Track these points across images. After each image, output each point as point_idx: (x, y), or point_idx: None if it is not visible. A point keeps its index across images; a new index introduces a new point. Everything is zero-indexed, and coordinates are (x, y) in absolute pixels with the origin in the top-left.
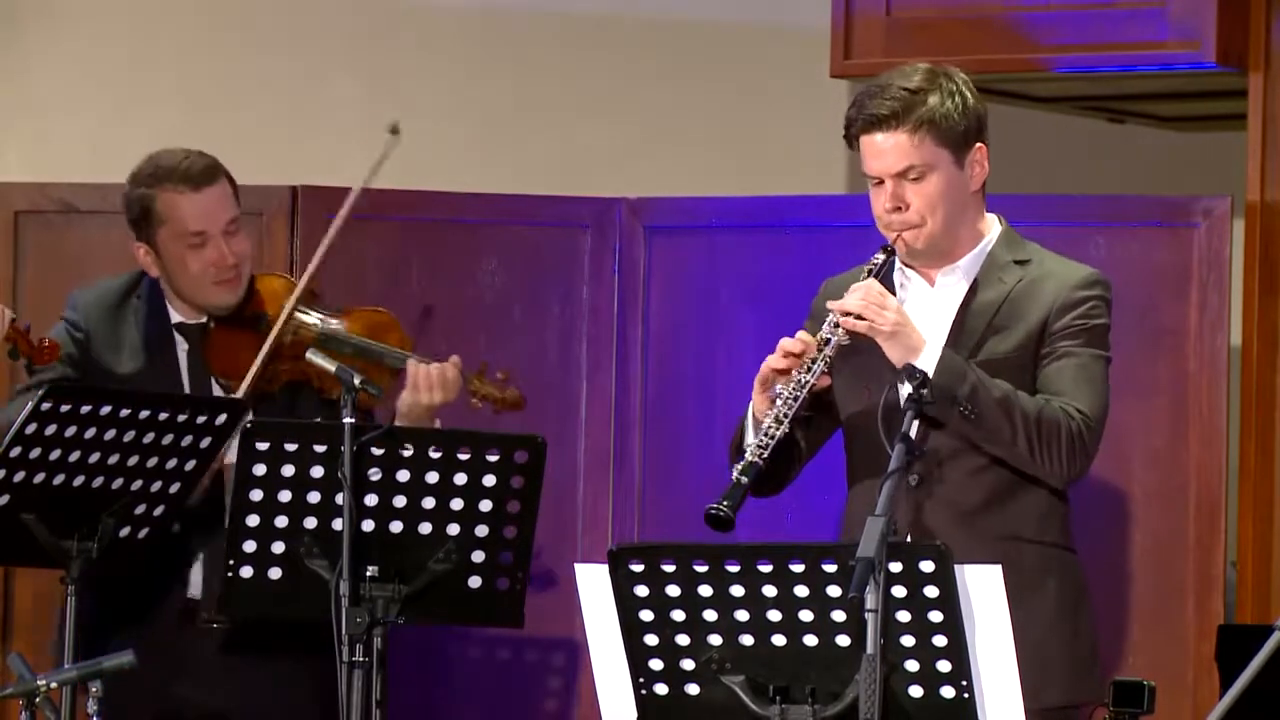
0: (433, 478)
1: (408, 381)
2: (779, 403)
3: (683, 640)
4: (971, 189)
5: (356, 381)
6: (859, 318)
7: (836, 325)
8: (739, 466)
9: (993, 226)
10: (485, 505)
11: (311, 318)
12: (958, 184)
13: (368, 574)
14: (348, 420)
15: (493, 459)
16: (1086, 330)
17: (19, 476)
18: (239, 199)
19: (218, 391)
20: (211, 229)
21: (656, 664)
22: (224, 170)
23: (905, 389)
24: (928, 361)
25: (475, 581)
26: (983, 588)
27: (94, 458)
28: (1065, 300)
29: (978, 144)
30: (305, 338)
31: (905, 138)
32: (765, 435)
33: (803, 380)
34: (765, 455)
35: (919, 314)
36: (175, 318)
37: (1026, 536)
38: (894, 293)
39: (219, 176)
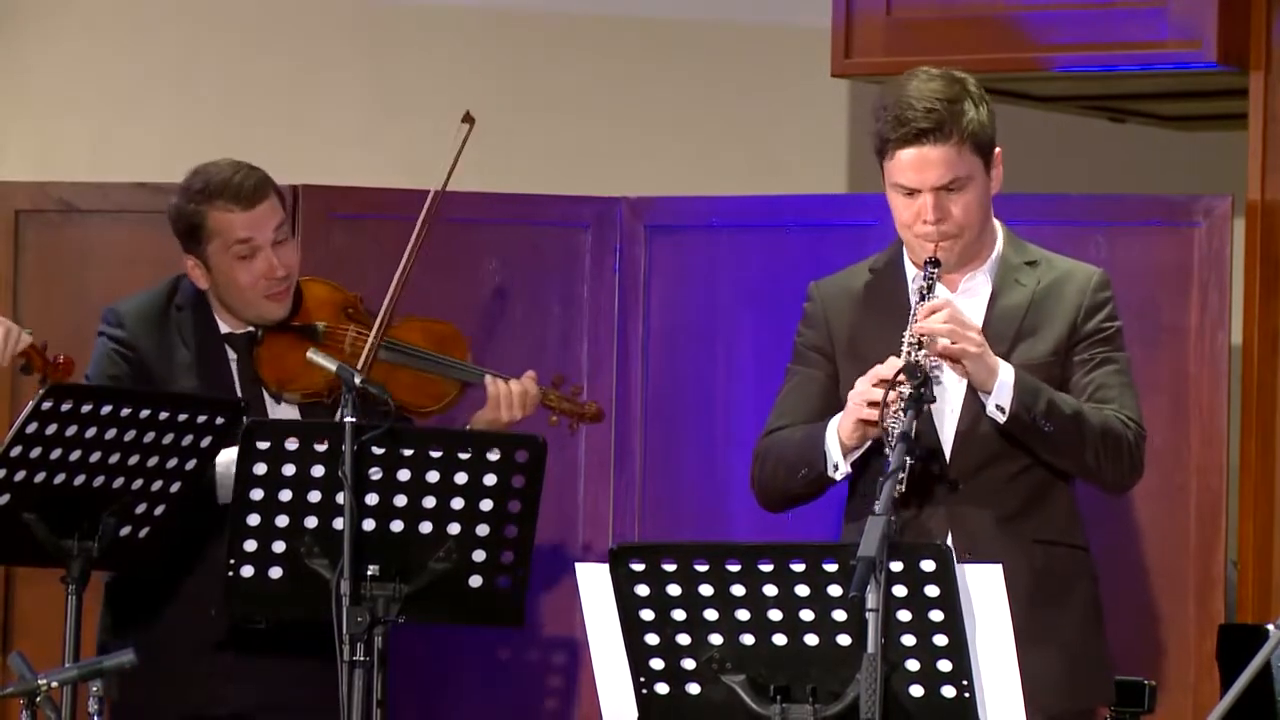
0: (434, 477)
1: (489, 400)
2: (892, 441)
3: (683, 639)
4: (993, 194)
5: (357, 381)
6: (951, 341)
7: (918, 346)
8: (895, 481)
9: (998, 228)
10: (486, 505)
11: (376, 337)
12: (987, 191)
13: (368, 573)
14: (348, 420)
15: (493, 458)
16: (1115, 333)
17: (19, 475)
18: (286, 209)
19: (270, 403)
20: (261, 239)
21: (657, 663)
22: (273, 184)
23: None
24: (1005, 383)
25: (476, 581)
26: (983, 587)
27: (95, 457)
28: (1091, 303)
29: (997, 148)
30: (366, 354)
31: (953, 150)
32: (902, 471)
33: (917, 404)
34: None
35: None
36: (223, 328)
37: (1059, 539)
38: (911, 301)
39: (269, 192)
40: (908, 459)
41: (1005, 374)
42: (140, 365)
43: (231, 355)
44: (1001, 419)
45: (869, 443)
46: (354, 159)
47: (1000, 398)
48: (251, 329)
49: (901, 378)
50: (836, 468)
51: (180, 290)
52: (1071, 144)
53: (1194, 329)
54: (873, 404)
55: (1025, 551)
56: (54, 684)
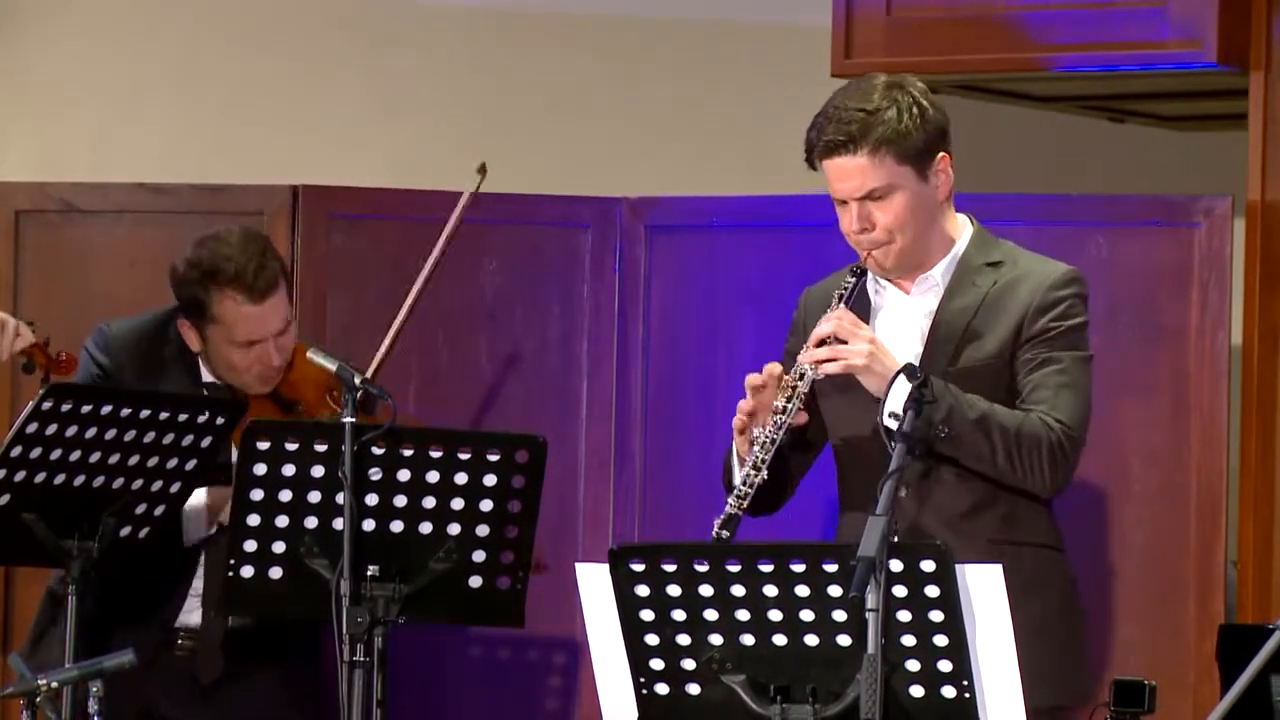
0: (433, 477)
1: None
2: (756, 448)
3: (683, 640)
4: (939, 199)
5: (357, 381)
6: (831, 360)
7: (800, 376)
8: (719, 520)
9: (964, 229)
10: (486, 505)
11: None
12: (923, 197)
13: (368, 573)
14: (348, 420)
15: (494, 458)
16: (1065, 332)
17: (19, 476)
18: (293, 295)
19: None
20: (266, 336)
21: (657, 663)
22: (283, 271)
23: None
24: (899, 387)
25: (476, 581)
26: (983, 587)
27: (94, 457)
28: (1041, 302)
29: (940, 154)
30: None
31: (865, 160)
32: (745, 485)
33: (779, 421)
34: (745, 505)
35: (895, 324)
36: (206, 377)
37: (1018, 539)
38: (869, 306)
39: (279, 283)
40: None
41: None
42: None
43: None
44: (894, 425)
45: (764, 465)
46: (354, 159)
47: (894, 404)
48: (240, 394)
49: (763, 381)
50: (733, 472)
51: (173, 326)
52: (1071, 144)
53: (1194, 329)
54: (747, 414)
55: (979, 552)
56: (54, 684)
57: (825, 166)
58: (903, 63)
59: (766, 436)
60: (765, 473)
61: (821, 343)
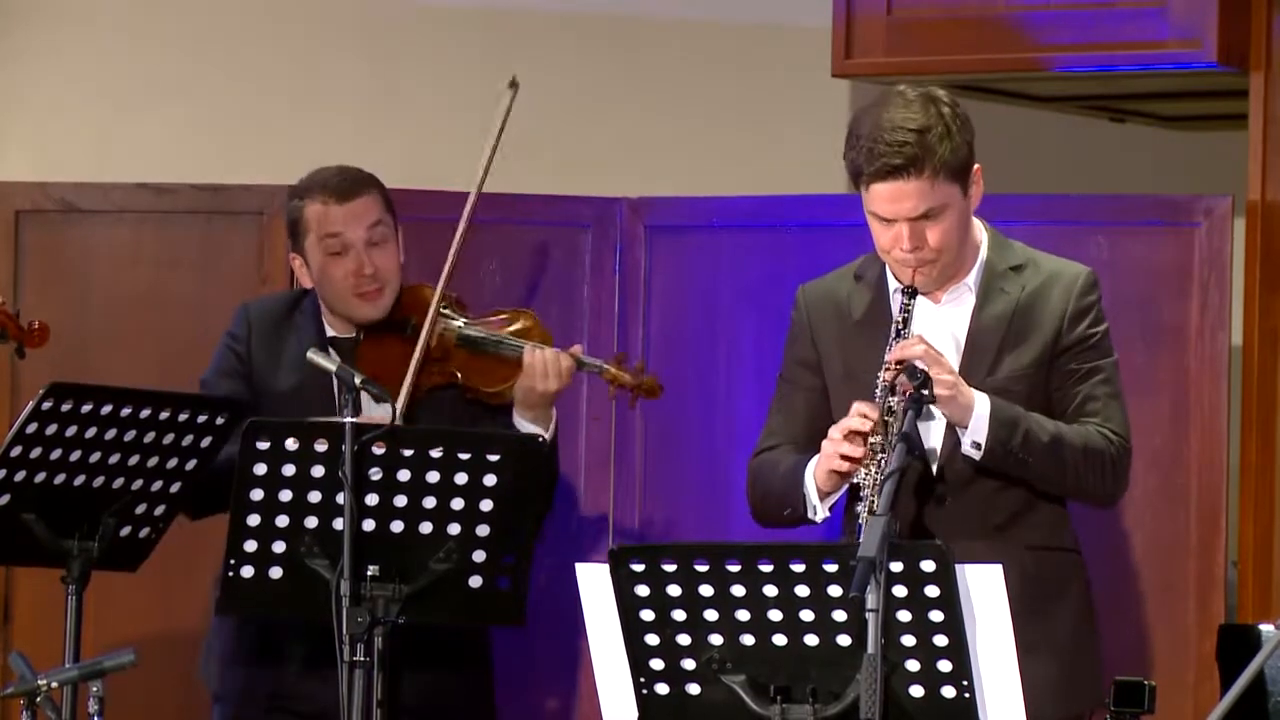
0: (434, 477)
1: (523, 368)
2: (867, 490)
3: (684, 640)
4: (972, 210)
5: (357, 381)
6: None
7: (892, 390)
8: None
9: (981, 233)
10: (486, 505)
11: (456, 321)
12: (964, 211)
13: (369, 573)
14: (348, 419)
15: (494, 459)
16: (1100, 339)
17: (19, 476)
18: (394, 214)
19: (368, 403)
20: (351, 236)
21: (657, 663)
22: (377, 185)
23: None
24: (980, 417)
25: (476, 581)
26: (983, 587)
27: (95, 457)
28: (1076, 309)
29: (975, 165)
30: (449, 340)
31: (925, 184)
32: (859, 521)
33: (885, 466)
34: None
35: (929, 336)
36: (330, 332)
37: (1050, 544)
38: (907, 320)
39: (366, 190)
40: (909, 459)
41: (981, 407)
42: (247, 360)
43: (334, 359)
44: (977, 455)
45: (846, 486)
46: (354, 159)
47: (976, 434)
48: (355, 334)
49: (871, 427)
50: (815, 510)
51: (307, 297)
52: (1071, 144)
53: (1194, 329)
54: (845, 457)
55: (1017, 559)
56: (54, 684)
57: (877, 189)
58: (903, 63)
59: (873, 477)
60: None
61: (899, 365)
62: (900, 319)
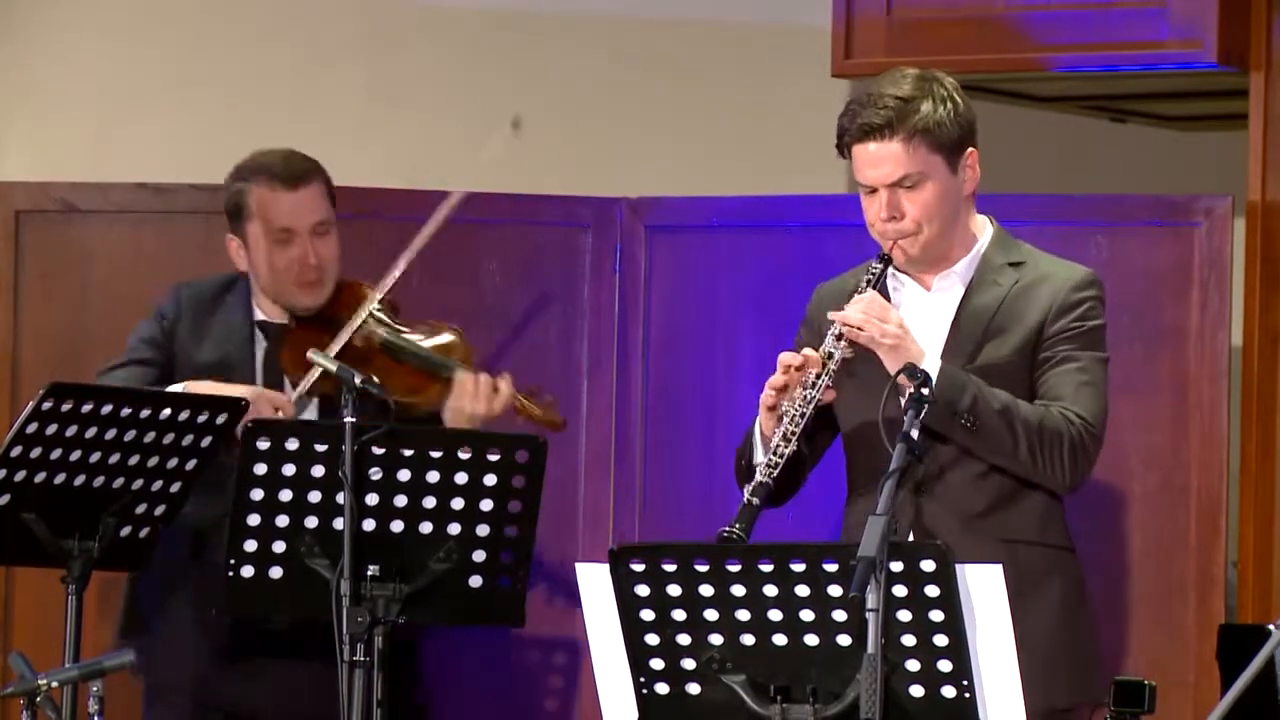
0: (434, 477)
1: (454, 389)
2: (785, 421)
3: (684, 639)
4: (965, 194)
5: (357, 381)
6: (860, 329)
7: (839, 338)
8: (750, 487)
9: (985, 229)
10: (486, 505)
11: (383, 327)
12: (952, 190)
13: (369, 573)
14: (348, 419)
15: (494, 458)
16: (1085, 333)
17: (19, 476)
18: (334, 203)
19: (289, 389)
20: (299, 227)
21: (657, 663)
22: (322, 173)
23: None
24: (931, 366)
25: (476, 581)
26: (984, 587)
27: (94, 457)
28: (1062, 303)
29: (969, 149)
30: (373, 342)
31: (900, 147)
32: (774, 454)
33: (809, 396)
34: (775, 474)
35: (915, 320)
36: (259, 315)
37: (1029, 538)
38: (889, 299)
39: (313, 178)
40: (909, 459)
41: (929, 368)
42: (169, 334)
43: (261, 342)
44: (930, 400)
45: (794, 438)
46: (354, 159)
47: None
48: (286, 321)
49: (798, 363)
50: (756, 451)
51: (240, 280)
52: (1071, 144)
53: (1194, 329)
54: (777, 390)
55: (990, 551)
56: (54, 684)
57: (857, 152)
58: (903, 63)
59: (796, 410)
60: (795, 444)
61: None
62: (866, 279)
